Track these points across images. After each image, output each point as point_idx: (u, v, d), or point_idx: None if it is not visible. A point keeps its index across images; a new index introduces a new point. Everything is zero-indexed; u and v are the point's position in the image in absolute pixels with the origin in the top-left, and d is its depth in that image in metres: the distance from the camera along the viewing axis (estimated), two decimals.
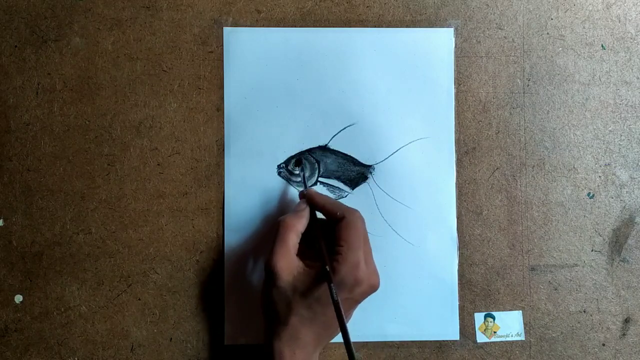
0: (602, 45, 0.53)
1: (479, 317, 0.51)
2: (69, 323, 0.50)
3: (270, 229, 0.50)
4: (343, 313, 0.40)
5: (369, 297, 0.45)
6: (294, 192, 0.51)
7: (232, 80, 0.51)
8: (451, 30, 0.52)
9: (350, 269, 0.42)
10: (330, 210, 0.46)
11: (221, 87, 0.51)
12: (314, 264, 0.44)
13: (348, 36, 0.52)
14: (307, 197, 0.47)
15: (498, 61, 0.52)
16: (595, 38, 0.53)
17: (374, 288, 0.44)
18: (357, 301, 0.44)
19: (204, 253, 0.51)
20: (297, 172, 0.51)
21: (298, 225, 0.45)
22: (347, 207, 0.46)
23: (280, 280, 0.43)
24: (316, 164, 0.51)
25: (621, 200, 0.52)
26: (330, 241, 0.45)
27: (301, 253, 0.46)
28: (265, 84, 0.51)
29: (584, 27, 0.53)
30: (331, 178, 0.51)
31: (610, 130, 0.52)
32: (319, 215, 0.47)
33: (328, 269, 0.42)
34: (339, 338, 0.46)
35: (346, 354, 0.40)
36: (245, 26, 0.52)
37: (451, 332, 0.51)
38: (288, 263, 0.44)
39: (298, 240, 0.45)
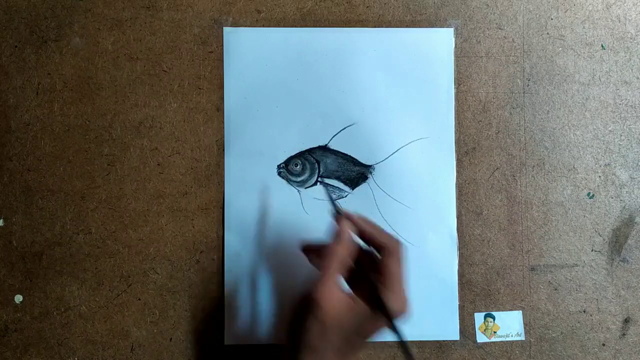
0: (602, 45, 0.53)
1: (479, 317, 0.51)
2: (69, 323, 0.50)
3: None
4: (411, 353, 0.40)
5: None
6: (294, 192, 0.51)
7: (232, 80, 0.51)
8: (451, 30, 0.52)
9: (398, 302, 0.41)
10: (370, 237, 0.43)
11: (221, 87, 0.51)
12: (357, 294, 0.42)
13: (348, 36, 0.52)
14: (354, 223, 0.44)
15: (498, 61, 0.52)
16: (595, 38, 0.53)
17: (406, 315, 0.43)
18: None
19: (204, 253, 0.51)
20: (305, 176, 0.51)
21: (345, 255, 0.43)
22: (387, 234, 0.43)
23: (323, 312, 0.41)
24: (316, 164, 0.51)
25: (621, 200, 0.52)
26: (365, 265, 0.43)
27: (344, 280, 0.44)
28: (265, 84, 0.51)
29: (584, 27, 0.53)
30: (331, 178, 0.51)
31: (610, 130, 0.52)
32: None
33: (384, 304, 0.41)
34: None
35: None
36: (245, 26, 0.52)
37: (451, 332, 0.51)
38: (333, 295, 0.41)
39: (345, 270, 0.43)
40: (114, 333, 0.50)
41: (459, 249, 0.51)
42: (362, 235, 0.43)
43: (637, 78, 0.53)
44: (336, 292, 0.42)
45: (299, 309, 0.43)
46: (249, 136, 0.51)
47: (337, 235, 0.43)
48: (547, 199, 0.52)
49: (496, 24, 0.53)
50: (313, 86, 0.52)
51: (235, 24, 0.52)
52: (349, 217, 0.44)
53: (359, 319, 0.41)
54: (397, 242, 0.43)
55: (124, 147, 0.51)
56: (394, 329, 0.40)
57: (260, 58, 0.52)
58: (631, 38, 0.53)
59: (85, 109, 0.51)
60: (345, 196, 0.51)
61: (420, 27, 0.52)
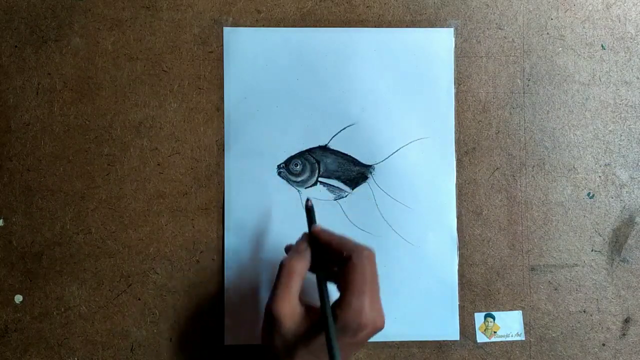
0: (602, 45, 0.53)
1: (479, 317, 0.51)
2: (69, 323, 0.50)
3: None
4: None
5: None
6: (294, 191, 0.51)
7: (232, 80, 0.51)
8: (451, 30, 0.52)
9: (354, 315, 0.40)
10: (337, 249, 0.43)
11: (221, 87, 0.51)
12: (317, 309, 0.42)
13: (348, 36, 0.52)
14: (314, 235, 0.45)
15: (498, 61, 0.52)
16: (595, 38, 0.53)
17: (378, 329, 0.42)
18: (361, 343, 0.43)
19: (204, 253, 0.51)
20: (305, 176, 0.51)
21: (301, 269, 0.43)
22: (354, 245, 0.43)
23: (283, 327, 0.41)
24: (316, 164, 0.51)
25: (621, 200, 0.52)
26: (335, 274, 0.44)
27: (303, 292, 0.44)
28: (265, 84, 0.51)
29: (584, 27, 0.53)
30: (331, 178, 0.51)
31: (610, 130, 0.52)
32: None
33: (329, 323, 0.40)
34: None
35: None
36: (245, 26, 0.52)
37: (451, 332, 0.51)
38: (291, 309, 0.42)
39: (301, 284, 0.43)
40: (114, 333, 0.50)
41: (459, 249, 0.51)
42: (329, 248, 0.44)
43: (637, 78, 0.53)
44: (290, 303, 0.42)
45: (265, 326, 0.43)
46: (249, 136, 0.51)
47: (294, 250, 0.44)
48: (547, 199, 0.52)
49: (496, 24, 0.53)
50: (313, 86, 0.52)
51: (235, 24, 0.52)
52: (315, 232, 0.45)
53: (316, 329, 0.41)
54: (359, 254, 0.42)
55: (124, 147, 0.51)
56: (328, 344, 0.38)
57: (260, 58, 0.52)
58: (631, 38, 0.53)
59: (85, 109, 0.51)
60: (345, 196, 0.51)
61: (420, 27, 0.52)
